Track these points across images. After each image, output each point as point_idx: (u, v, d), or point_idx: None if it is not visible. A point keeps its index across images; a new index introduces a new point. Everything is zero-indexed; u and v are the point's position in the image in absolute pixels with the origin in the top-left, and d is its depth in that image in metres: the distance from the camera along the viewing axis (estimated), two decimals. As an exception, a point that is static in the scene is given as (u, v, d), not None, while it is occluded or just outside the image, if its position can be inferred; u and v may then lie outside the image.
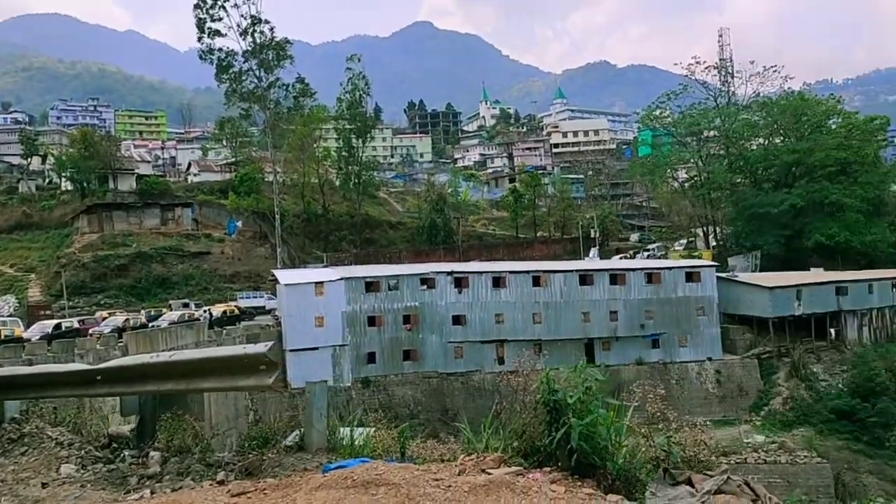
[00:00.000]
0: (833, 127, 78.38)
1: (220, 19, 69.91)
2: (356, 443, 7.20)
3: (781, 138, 79.46)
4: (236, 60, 72.03)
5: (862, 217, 69.90)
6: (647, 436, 5.27)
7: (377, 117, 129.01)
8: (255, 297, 65.37)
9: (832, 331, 55.30)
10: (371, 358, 47.76)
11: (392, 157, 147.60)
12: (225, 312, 55.96)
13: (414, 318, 49.12)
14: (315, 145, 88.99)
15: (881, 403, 46.18)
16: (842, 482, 41.36)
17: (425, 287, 49.82)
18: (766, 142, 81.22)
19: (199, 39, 70.42)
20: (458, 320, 49.88)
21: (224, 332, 45.96)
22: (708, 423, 47.98)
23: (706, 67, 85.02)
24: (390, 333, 48.52)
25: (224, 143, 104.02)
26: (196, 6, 69.50)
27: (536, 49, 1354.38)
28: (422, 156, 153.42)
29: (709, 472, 4.82)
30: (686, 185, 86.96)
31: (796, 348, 52.74)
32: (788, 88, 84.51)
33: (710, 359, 51.76)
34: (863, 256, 68.76)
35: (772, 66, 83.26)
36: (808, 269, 63.83)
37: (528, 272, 52.26)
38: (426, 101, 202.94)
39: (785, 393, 49.76)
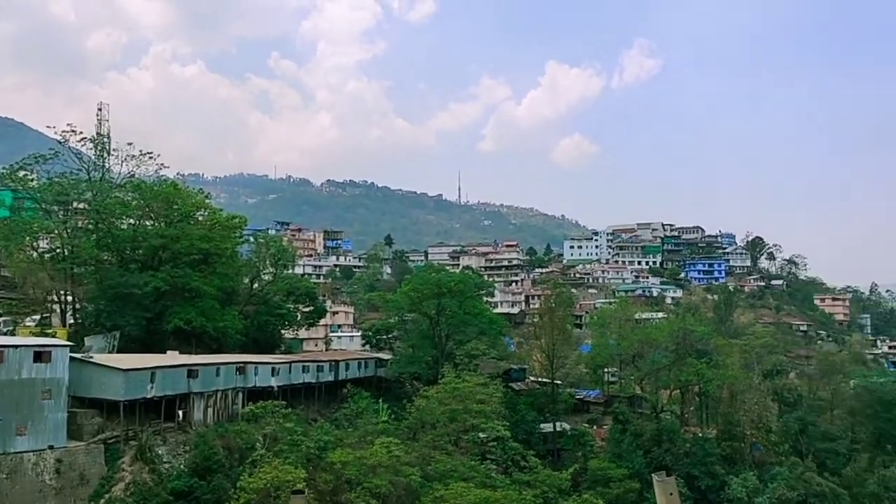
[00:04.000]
0: (200, 219, 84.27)
1: None
2: None
3: (152, 221, 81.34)
4: None
5: (217, 304, 76.13)
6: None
7: None
8: None
9: (181, 412, 57.56)
10: None
11: None
12: None
13: None
14: None
15: (216, 480, 49.62)
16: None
17: None
18: (137, 223, 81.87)
19: None
20: None
21: None
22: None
23: (82, 138, 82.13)
24: None
25: None
26: None
27: None
28: None
29: None
30: (46, 256, 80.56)
31: (144, 431, 52.93)
32: (163, 175, 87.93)
33: (51, 447, 47.58)
34: (215, 341, 74.44)
35: (149, 152, 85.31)
36: (166, 352, 65.72)
37: None
38: None
39: (128, 478, 48.98)
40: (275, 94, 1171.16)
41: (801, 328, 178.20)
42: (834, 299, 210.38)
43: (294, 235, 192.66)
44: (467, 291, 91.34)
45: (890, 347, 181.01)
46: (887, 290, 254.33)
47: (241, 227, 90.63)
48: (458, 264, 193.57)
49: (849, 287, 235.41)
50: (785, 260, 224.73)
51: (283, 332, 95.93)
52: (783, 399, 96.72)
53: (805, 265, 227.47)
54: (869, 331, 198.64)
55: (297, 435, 55.10)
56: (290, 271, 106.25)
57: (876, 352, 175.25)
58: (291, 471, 46.40)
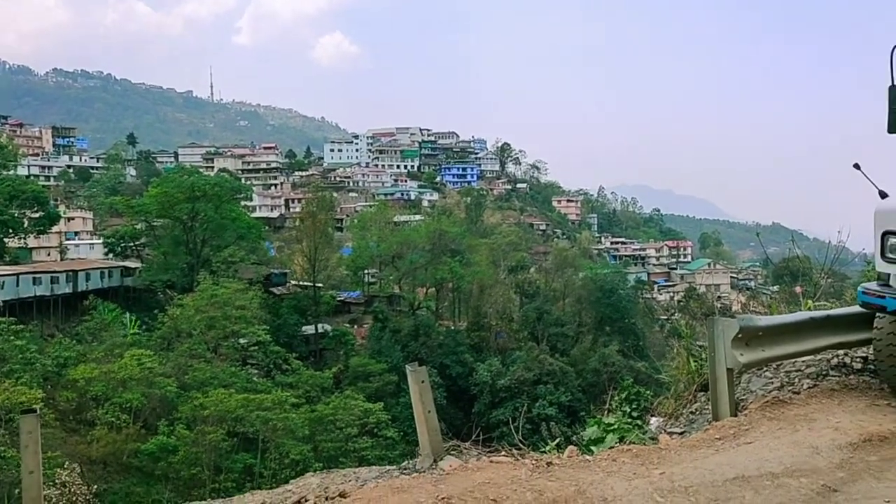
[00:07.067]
0: None
1: None
2: None
3: None
4: None
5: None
6: None
7: None
8: None
9: None
10: None
11: None
12: None
13: None
14: None
15: (-70, 410, 43.54)
16: None
17: None
18: None
19: None
20: None
21: None
22: None
23: None
24: None
25: None
26: None
27: None
28: None
29: None
30: None
31: None
32: None
33: None
34: (-84, 253, 63.92)
35: None
36: None
37: None
38: None
39: None
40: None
41: (541, 227, 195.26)
42: (568, 201, 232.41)
43: (14, 131, 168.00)
44: (224, 195, 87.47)
45: (612, 243, 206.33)
46: (612, 192, 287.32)
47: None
48: (213, 167, 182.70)
49: (581, 190, 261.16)
50: (529, 165, 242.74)
51: (6, 241, 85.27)
52: (524, 291, 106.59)
53: (546, 170, 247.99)
54: (596, 229, 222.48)
55: (30, 353, 49.91)
56: (12, 172, 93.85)
57: (600, 247, 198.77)
58: (25, 391, 41.98)
